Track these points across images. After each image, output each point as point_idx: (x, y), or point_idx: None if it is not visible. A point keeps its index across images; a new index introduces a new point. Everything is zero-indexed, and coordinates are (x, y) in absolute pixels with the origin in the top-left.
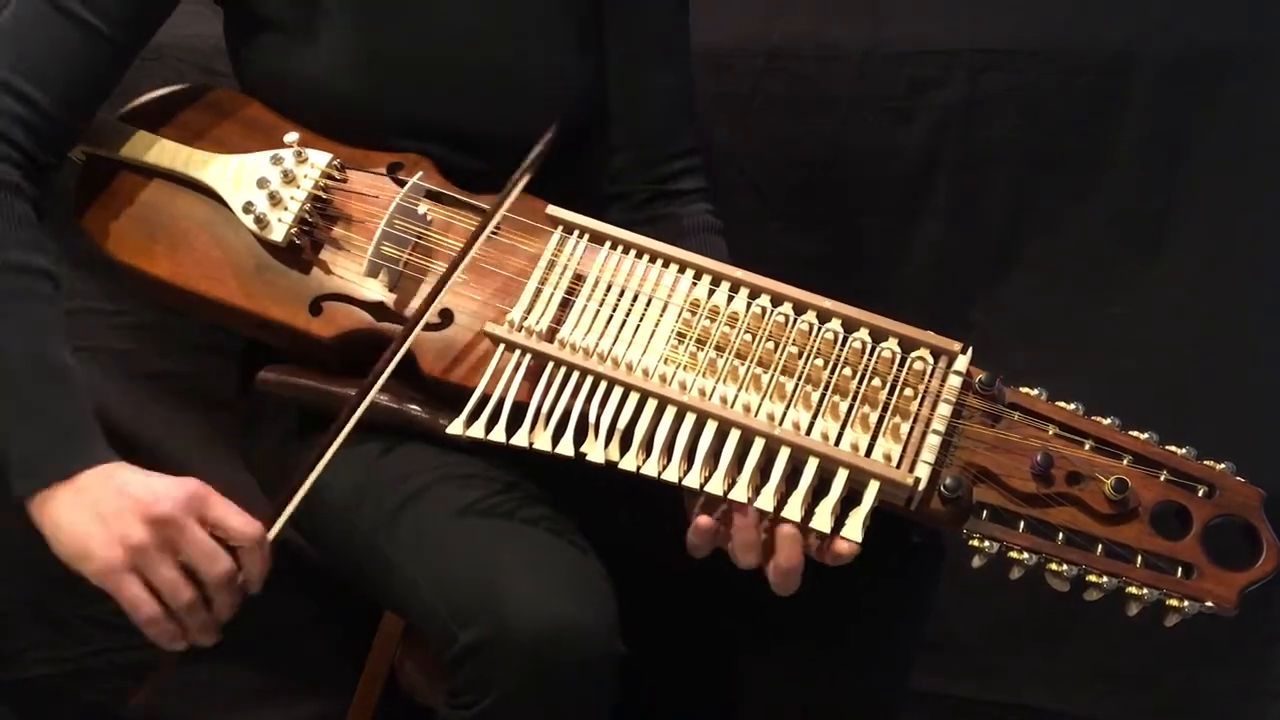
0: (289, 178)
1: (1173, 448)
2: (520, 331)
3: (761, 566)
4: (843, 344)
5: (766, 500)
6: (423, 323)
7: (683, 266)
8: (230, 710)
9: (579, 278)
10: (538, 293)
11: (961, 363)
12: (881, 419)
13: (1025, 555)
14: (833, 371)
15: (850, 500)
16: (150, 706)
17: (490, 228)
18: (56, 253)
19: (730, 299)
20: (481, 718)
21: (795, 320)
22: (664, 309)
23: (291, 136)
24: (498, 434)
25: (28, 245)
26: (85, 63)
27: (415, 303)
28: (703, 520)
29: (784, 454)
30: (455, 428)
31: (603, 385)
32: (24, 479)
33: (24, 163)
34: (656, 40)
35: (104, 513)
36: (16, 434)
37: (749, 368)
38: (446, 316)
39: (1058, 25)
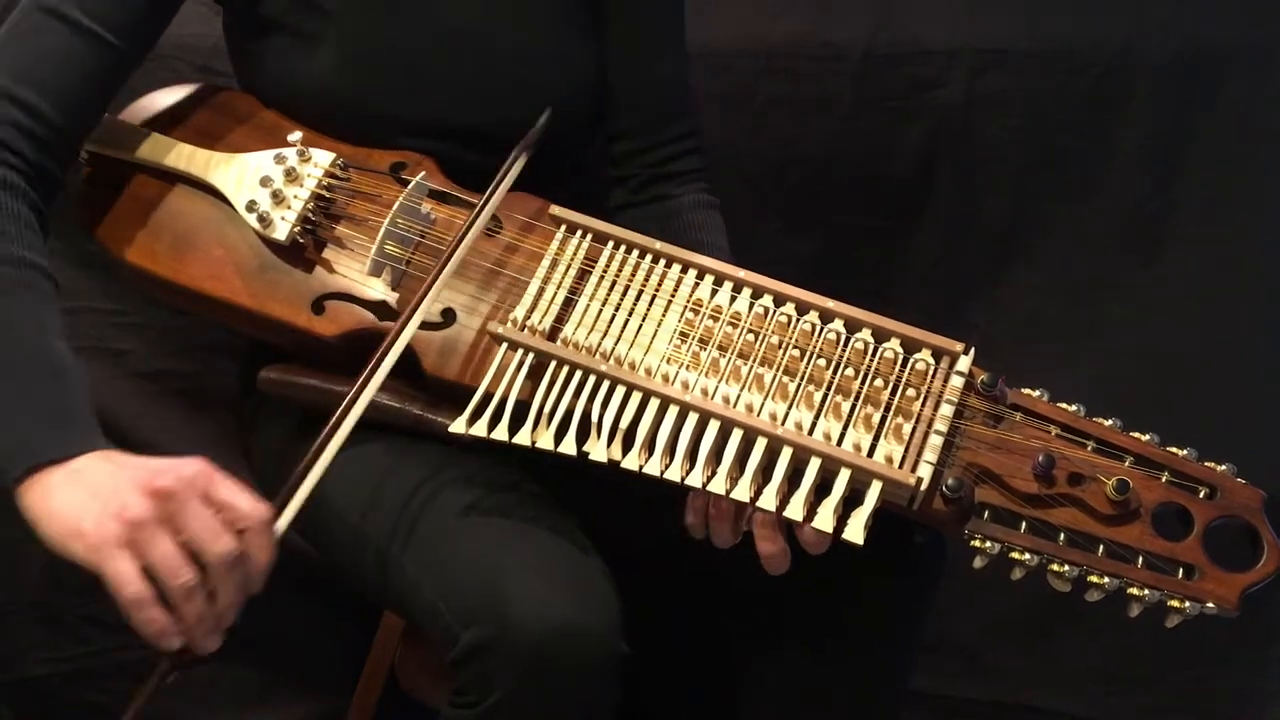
0: (292, 176)
1: (1174, 449)
2: (523, 330)
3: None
4: (845, 344)
5: (769, 500)
6: (421, 312)
7: (685, 266)
8: (230, 710)
9: (582, 277)
10: (540, 292)
11: (964, 363)
12: (884, 419)
13: (1027, 556)
14: (835, 372)
15: (852, 500)
16: (121, 688)
17: (488, 213)
18: (53, 258)
19: (733, 299)
20: (484, 717)
21: (798, 320)
22: (666, 308)
23: (295, 135)
24: (500, 433)
25: (29, 245)
26: (87, 70)
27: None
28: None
29: (786, 454)
30: (457, 426)
31: (605, 384)
32: (17, 461)
33: (26, 170)
34: (654, 28)
35: (100, 489)
36: (11, 419)
37: (751, 367)
38: (449, 315)
39: (1058, 25)
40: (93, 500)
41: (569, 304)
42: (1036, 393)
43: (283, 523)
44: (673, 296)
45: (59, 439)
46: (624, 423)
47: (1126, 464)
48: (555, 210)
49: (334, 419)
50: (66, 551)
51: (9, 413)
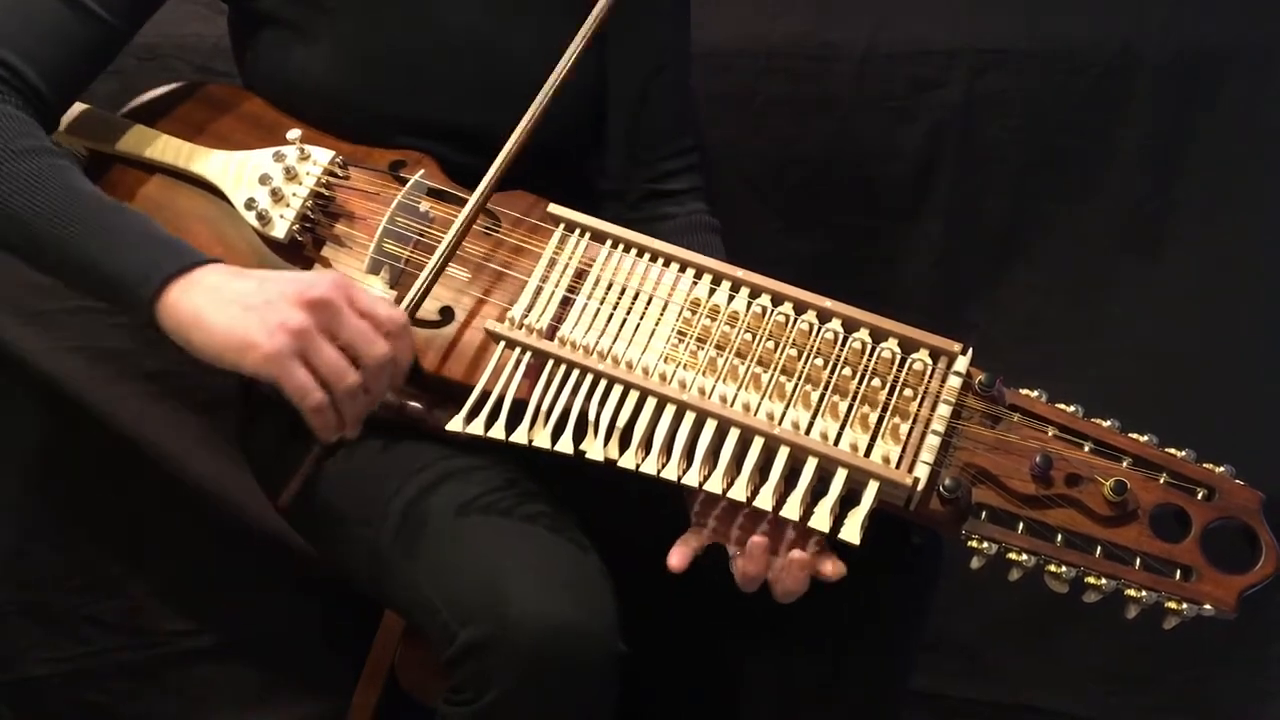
0: (291, 174)
1: (1172, 450)
2: (521, 329)
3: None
4: (843, 344)
5: (765, 499)
6: (410, 301)
7: (683, 265)
8: (230, 710)
9: (580, 276)
10: (538, 290)
11: (961, 364)
12: (881, 419)
13: (1024, 557)
14: (832, 371)
15: (849, 500)
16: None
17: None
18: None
19: (731, 298)
20: (481, 715)
21: (795, 320)
22: (664, 308)
23: (294, 133)
24: (497, 431)
25: (35, 134)
26: (76, 43)
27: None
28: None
29: (783, 453)
30: (455, 425)
31: (602, 383)
32: (144, 282)
33: (12, 99)
34: (656, 39)
35: (254, 303)
36: (121, 251)
37: (749, 367)
38: (447, 314)
39: (1058, 25)
40: (252, 315)
41: (567, 303)
42: (1035, 393)
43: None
44: (670, 296)
45: (177, 254)
46: (621, 421)
47: (1124, 465)
48: (554, 209)
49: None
50: (233, 363)
51: (120, 248)
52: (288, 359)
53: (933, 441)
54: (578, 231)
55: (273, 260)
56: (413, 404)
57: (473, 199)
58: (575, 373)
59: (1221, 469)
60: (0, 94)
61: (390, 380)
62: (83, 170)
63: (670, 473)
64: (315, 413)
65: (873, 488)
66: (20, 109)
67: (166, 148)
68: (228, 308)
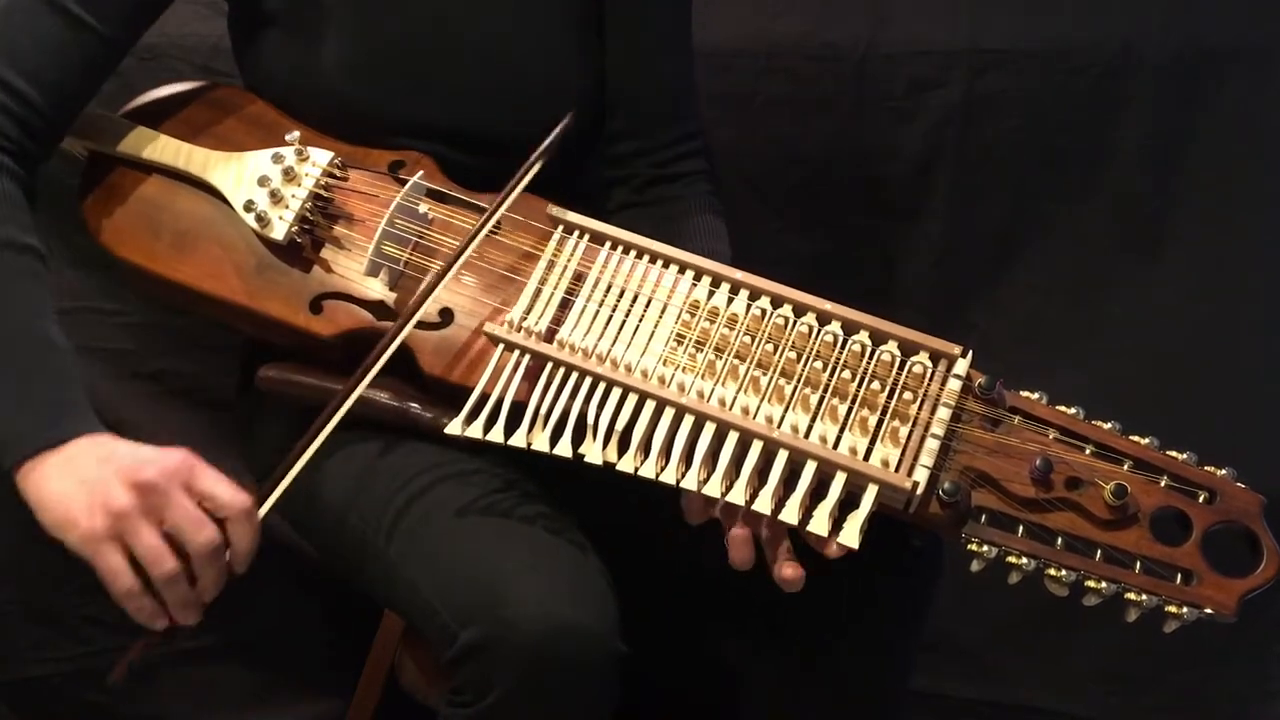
0: (290, 176)
1: (1173, 453)
2: (520, 332)
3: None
4: (842, 347)
5: (764, 503)
6: (418, 315)
7: (683, 268)
8: (230, 710)
9: (579, 278)
10: (537, 293)
11: (961, 366)
12: (880, 422)
13: (1024, 560)
14: (832, 374)
15: (848, 504)
16: (124, 685)
17: (489, 226)
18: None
19: (730, 300)
20: (482, 717)
21: (795, 322)
22: (663, 310)
23: (293, 135)
24: (496, 434)
25: (20, 225)
26: (76, 59)
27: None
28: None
29: (782, 457)
30: (454, 427)
31: (601, 386)
32: (12, 449)
33: (14, 150)
34: (659, 26)
35: (88, 479)
36: (7, 406)
37: (748, 370)
38: (446, 315)
39: (1058, 25)
40: (81, 491)
41: (566, 305)
42: (1035, 395)
43: (264, 510)
44: (670, 298)
45: (53, 425)
46: (620, 425)
47: (1125, 468)
48: (553, 210)
49: (327, 410)
50: (61, 537)
51: (4, 401)
52: (102, 541)
53: (932, 445)
54: (577, 233)
55: (272, 262)
56: (412, 406)
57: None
58: (574, 375)
59: (1223, 472)
60: (2, 145)
61: (231, 565)
62: (41, 269)
63: (669, 476)
64: (126, 598)
65: (872, 491)
66: (13, 167)
67: (166, 149)
68: (64, 481)
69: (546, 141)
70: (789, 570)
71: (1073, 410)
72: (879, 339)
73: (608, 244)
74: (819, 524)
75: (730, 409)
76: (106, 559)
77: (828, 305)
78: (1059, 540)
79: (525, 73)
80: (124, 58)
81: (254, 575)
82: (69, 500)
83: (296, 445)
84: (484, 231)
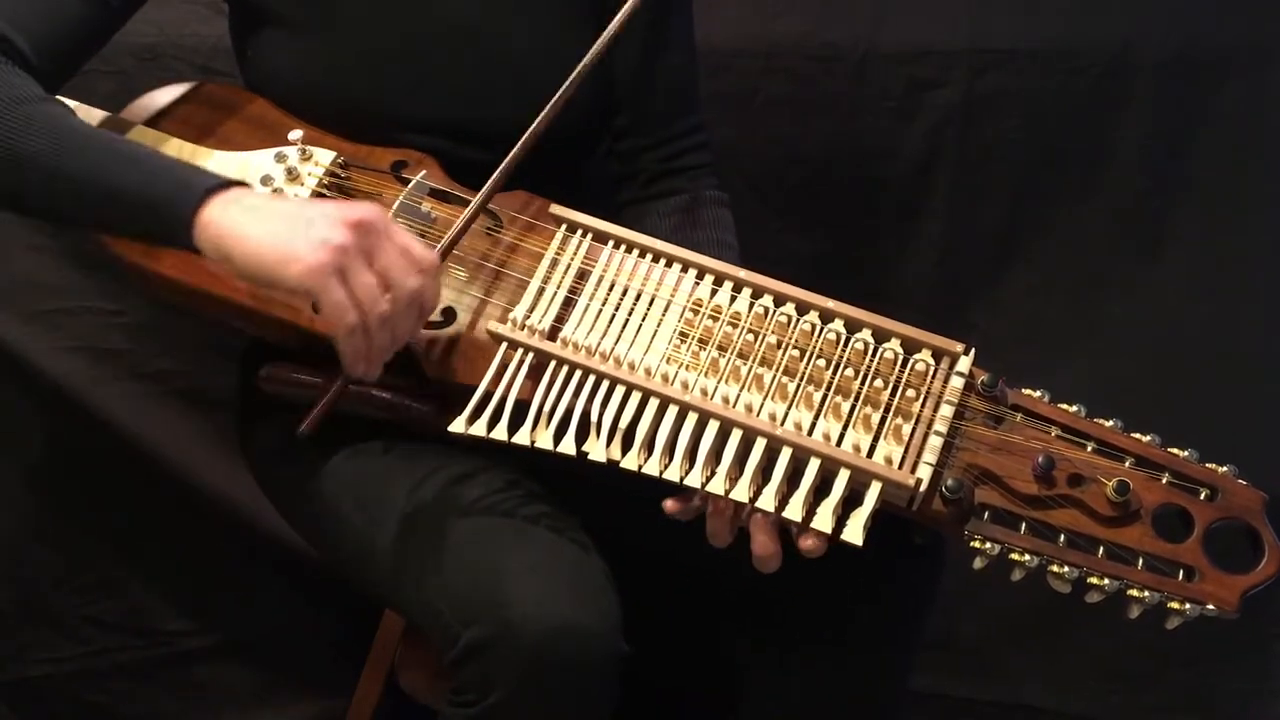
0: (293, 175)
1: (1175, 450)
2: (523, 330)
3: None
4: (845, 345)
5: (768, 500)
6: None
7: (685, 266)
8: (230, 710)
9: (582, 276)
10: (540, 291)
11: (964, 364)
12: (883, 420)
13: (1026, 557)
14: (835, 372)
15: (852, 501)
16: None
17: (479, 205)
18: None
19: (733, 299)
20: (484, 717)
21: (798, 320)
22: (666, 308)
23: (296, 134)
24: (499, 432)
25: (35, 87)
26: (73, 23)
27: None
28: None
29: (785, 454)
30: (457, 426)
31: (605, 384)
32: (181, 201)
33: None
34: (662, 21)
35: (296, 219)
36: (154, 175)
37: (751, 368)
38: (449, 314)
39: (1058, 25)
40: (297, 228)
41: (569, 303)
42: (1037, 393)
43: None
44: (673, 296)
45: (212, 174)
46: (623, 423)
47: (1127, 465)
48: (556, 209)
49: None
50: (273, 277)
51: (153, 172)
52: (329, 274)
53: (935, 442)
54: (579, 232)
55: None
56: (415, 405)
57: (476, 199)
58: (577, 374)
59: (1224, 469)
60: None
61: (416, 322)
62: (66, 109)
63: (672, 474)
64: (349, 334)
65: (875, 488)
66: (14, 65)
67: (167, 149)
68: (270, 222)
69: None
70: (810, 541)
71: (1074, 408)
72: (882, 337)
73: (610, 242)
74: (823, 521)
75: (733, 406)
76: (333, 292)
77: (830, 303)
78: (1061, 537)
79: (527, 68)
80: (120, 24)
81: (254, 575)
82: (284, 239)
83: (470, 205)
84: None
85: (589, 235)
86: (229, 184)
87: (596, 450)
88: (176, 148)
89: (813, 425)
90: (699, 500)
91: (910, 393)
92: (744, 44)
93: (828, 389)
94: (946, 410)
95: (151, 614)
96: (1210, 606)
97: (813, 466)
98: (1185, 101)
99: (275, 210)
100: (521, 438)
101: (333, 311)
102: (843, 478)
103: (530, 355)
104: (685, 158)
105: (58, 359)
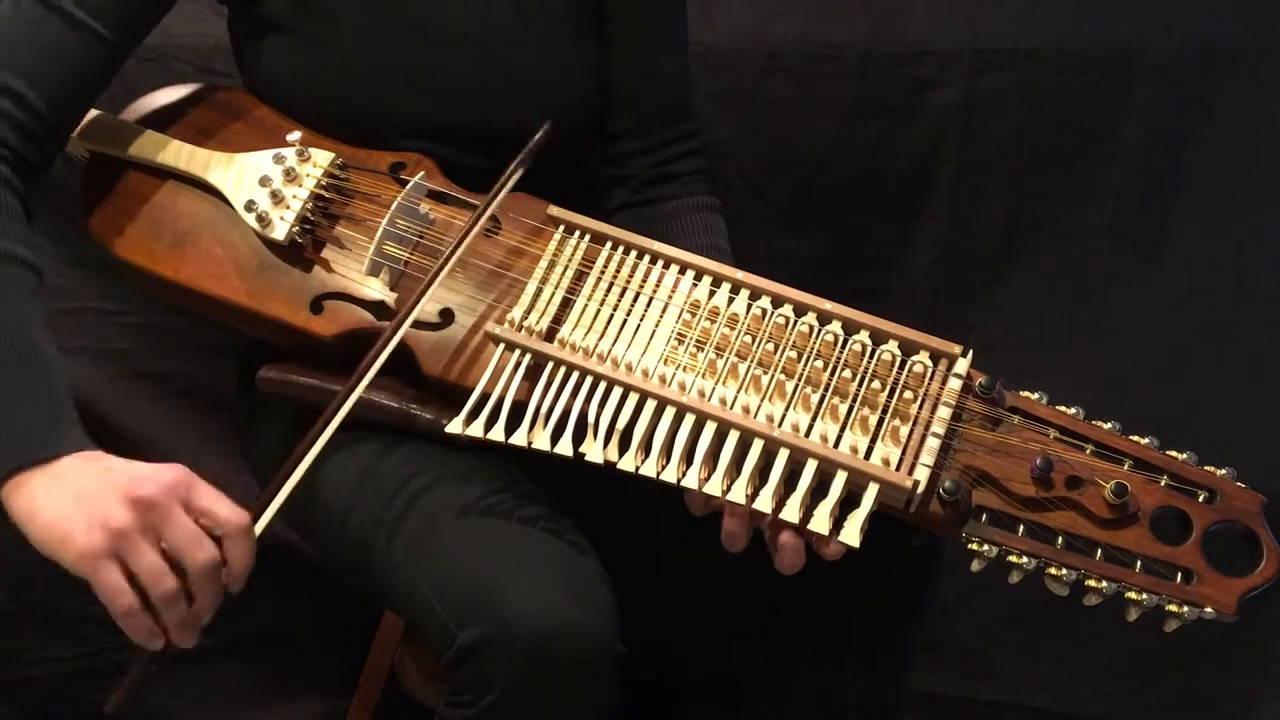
0: (291, 176)
1: (1173, 452)
2: (520, 331)
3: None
4: (843, 346)
5: (765, 502)
6: (414, 315)
7: (683, 268)
8: (230, 710)
9: (579, 278)
10: (538, 292)
11: (961, 366)
12: (881, 421)
13: (1024, 559)
14: (832, 373)
15: (849, 502)
16: (124, 708)
17: (482, 221)
18: (43, 252)
19: (730, 300)
20: (481, 717)
21: (795, 322)
22: (664, 310)
23: (294, 135)
24: (497, 433)
25: (15, 238)
26: (78, 63)
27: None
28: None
29: (783, 455)
30: (454, 427)
31: (602, 385)
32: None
33: (13, 160)
34: (656, 27)
35: (85, 495)
36: None
37: (749, 369)
38: (447, 315)
39: (1058, 25)
40: (78, 508)
41: (566, 305)
42: (1035, 395)
43: (261, 526)
44: (670, 298)
45: (41, 440)
46: (621, 424)
47: (1125, 467)
48: (554, 211)
49: (323, 418)
50: (55, 557)
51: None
52: (101, 559)
53: (933, 444)
54: (577, 233)
55: (273, 262)
56: (412, 406)
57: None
58: (575, 375)
59: (1223, 472)
60: (1, 154)
61: (227, 584)
62: (34, 280)
63: (670, 475)
64: (124, 617)
65: (873, 490)
66: (9, 176)
67: (167, 150)
68: (57, 498)
69: (526, 148)
70: (832, 548)
71: (1073, 410)
72: (879, 338)
73: (608, 244)
74: (820, 523)
75: (731, 408)
76: (106, 577)
77: (828, 305)
78: (1059, 539)
79: (524, 73)
80: (125, 61)
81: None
82: (64, 518)
83: (293, 454)
84: (470, 237)
85: (587, 236)
86: (49, 458)
87: (594, 452)
88: (175, 150)
89: (810, 427)
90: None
91: (908, 394)
92: (744, 44)
93: (825, 390)
94: (944, 412)
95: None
96: (1209, 609)
97: (810, 468)
98: (1185, 101)
99: (70, 484)
100: (519, 439)
101: (104, 595)
102: (840, 479)
103: (528, 356)
104: (678, 163)
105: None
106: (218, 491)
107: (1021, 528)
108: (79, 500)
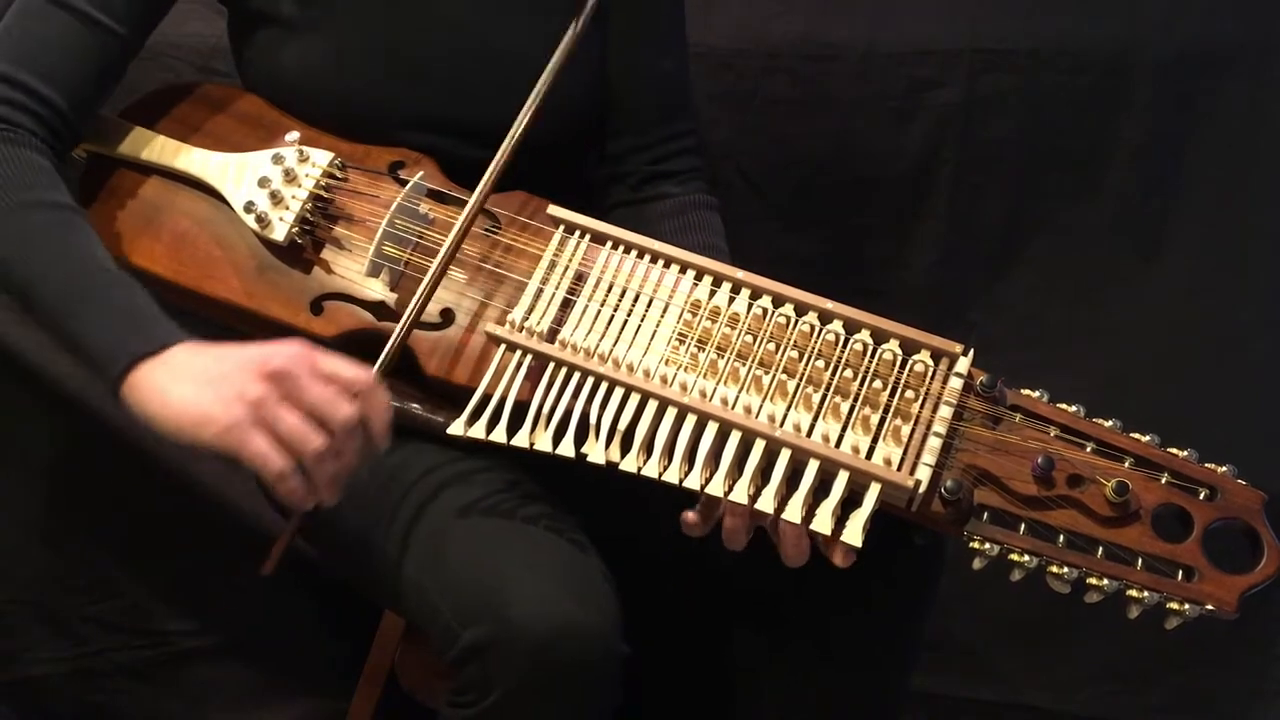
0: (290, 177)
1: (1174, 450)
2: (521, 332)
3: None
4: (844, 346)
5: (767, 502)
6: (414, 313)
7: (684, 267)
8: (230, 710)
9: (580, 278)
10: (539, 293)
11: (963, 365)
12: (882, 421)
13: (1026, 558)
14: (834, 373)
15: (851, 502)
16: (278, 565)
17: (476, 207)
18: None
19: (731, 300)
20: (484, 716)
21: (796, 322)
22: (665, 310)
23: (293, 135)
24: (498, 434)
25: (52, 184)
26: (91, 58)
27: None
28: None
29: (785, 456)
30: (456, 428)
31: (603, 386)
32: (111, 362)
33: (34, 137)
34: (654, 25)
35: (211, 378)
36: (95, 327)
37: (750, 369)
38: (447, 316)
39: (1058, 25)
40: (211, 388)
41: (567, 305)
42: (1036, 394)
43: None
44: (671, 298)
45: (148, 334)
46: (622, 424)
47: (1126, 465)
48: (553, 210)
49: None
50: (194, 439)
51: (96, 322)
52: (245, 429)
53: (934, 443)
54: (578, 233)
55: (272, 263)
56: (414, 407)
57: (473, 199)
58: (576, 376)
59: (1223, 469)
60: (22, 131)
61: (368, 440)
62: (85, 220)
63: (672, 476)
64: (278, 480)
65: (874, 490)
66: (41, 147)
67: (165, 150)
68: (185, 384)
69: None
70: (840, 555)
71: (1073, 408)
72: (880, 338)
73: (609, 244)
74: (822, 523)
75: (732, 408)
76: (255, 444)
77: (829, 304)
78: (1061, 538)
79: (524, 65)
80: (135, 56)
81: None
82: (197, 400)
83: (402, 319)
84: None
85: (587, 236)
86: (158, 348)
87: (595, 452)
88: (174, 149)
89: (811, 426)
90: (721, 508)
91: (909, 394)
92: (744, 44)
93: (826, 390)
94: (945, 411)
95: (151, 614)
96: (1209, 607)
97: (812, 468)
98: (1185, 101)
99: (193, 369)
100: (520, 440)
101: (255, 462)
102: (842, 479)
103: (529, 357)
104: (675, 161)
105: (59, 359)
106: (339, 356)
107: (1023, 526)
108: (207, 383)
